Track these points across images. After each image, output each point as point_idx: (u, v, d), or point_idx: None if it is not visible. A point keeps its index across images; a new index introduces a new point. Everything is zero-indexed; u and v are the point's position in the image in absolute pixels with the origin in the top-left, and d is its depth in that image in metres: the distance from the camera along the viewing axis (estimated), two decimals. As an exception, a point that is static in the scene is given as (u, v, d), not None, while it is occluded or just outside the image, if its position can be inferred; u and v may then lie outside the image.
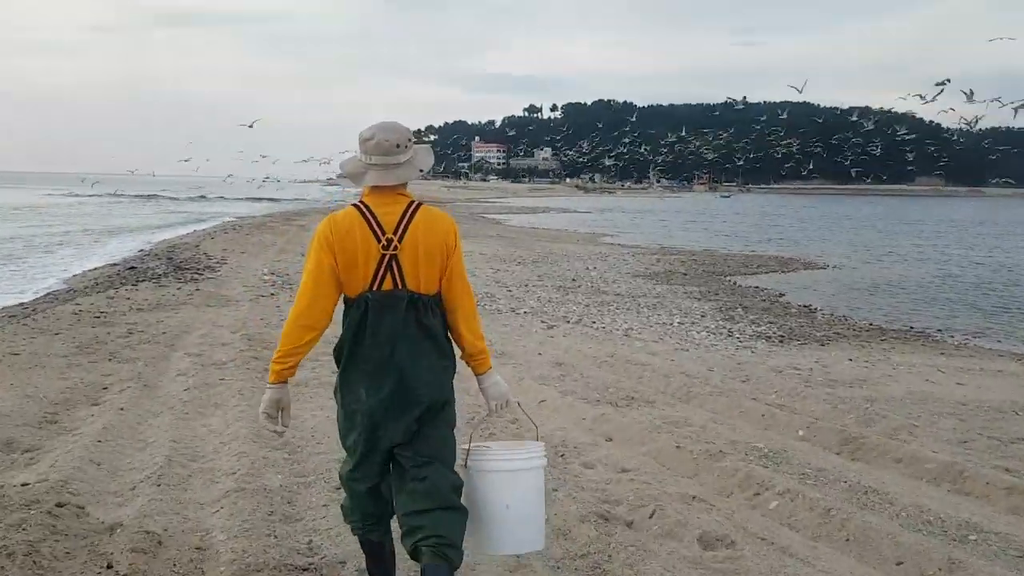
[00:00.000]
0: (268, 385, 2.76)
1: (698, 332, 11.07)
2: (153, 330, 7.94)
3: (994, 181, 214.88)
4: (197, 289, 11.31)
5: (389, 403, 2.66)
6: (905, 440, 5.35)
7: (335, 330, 2.79)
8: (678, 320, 12.02)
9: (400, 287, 2.67)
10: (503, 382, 2.88)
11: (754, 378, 7.06)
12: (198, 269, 14.14)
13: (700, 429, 5.05)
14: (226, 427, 4.62)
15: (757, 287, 17.56)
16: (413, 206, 2.72)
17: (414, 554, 2.65)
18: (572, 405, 5.54)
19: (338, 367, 2.76)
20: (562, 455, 4.33)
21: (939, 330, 12.71)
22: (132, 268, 14.67)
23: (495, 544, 2.75)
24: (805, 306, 15.01)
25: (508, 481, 2.70)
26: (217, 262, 15.21)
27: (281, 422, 2.77)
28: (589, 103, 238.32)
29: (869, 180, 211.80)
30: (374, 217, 2.68)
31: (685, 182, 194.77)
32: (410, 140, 2.75)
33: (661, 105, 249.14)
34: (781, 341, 10.86)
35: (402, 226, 2.68)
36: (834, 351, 10.00)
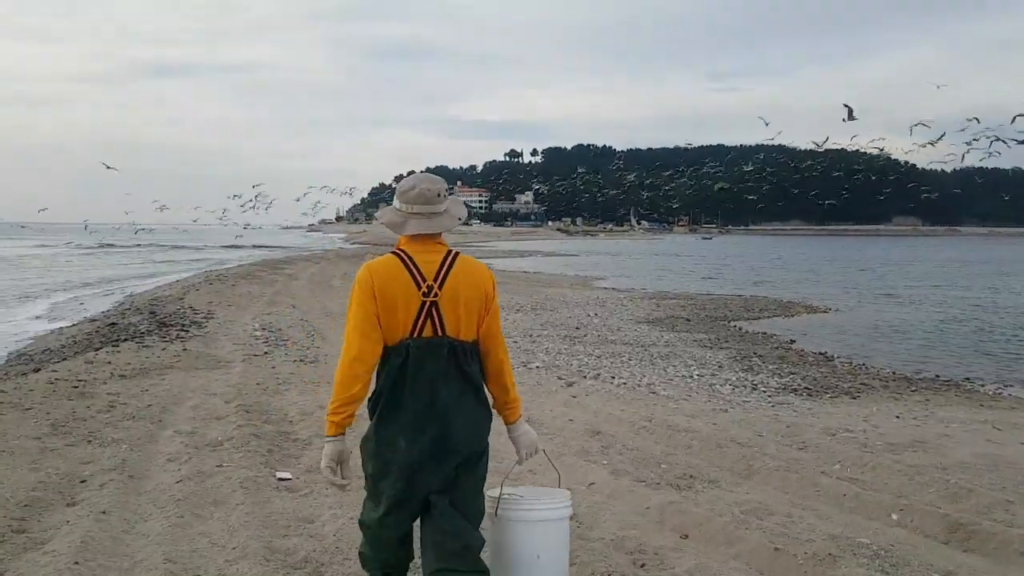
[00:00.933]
0: (327, 438, 2.72)
1: (722, 386, 10.41)
2: (137, 402, 7.05)
3: (972, 220, 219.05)
4: (184, 349, 10.33)
5: (430, 453, 2.63)
6: (1009, 522, 4.66)
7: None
8: (696, 372, 11.35)
9: (441, 334, 2.67)
10: (532, 431, 2.91)
11: (811, 445, 6.35)
12: (184, 325, 13.24)
13: (787, 520, 4.32)
14: (230, 536, 3.82)
15: (764, 333, 16.98)
16: (452, 254, 2.75)
17: None
18: (631, 489, 4.80)
19: (371, 417, 2.72)
20: (642, 565, 3.58)
21: (966, 379, 12.09)
22: (112, 324, 13.77)
23: None
24: (821, 353, 14.42)
25: (540, 531, 2.68)
26: (204, 316, 14.32)
27: (342, 475, 2.73)
28: (569, 147, 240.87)
29: (847, 221, 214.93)
30: (415, 264, 2.70)
31: (665, 224, 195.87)
32: (448, 190, 2.81)
33: (640, 149, 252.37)
34: (810, 394, 10.22)
35: (442, 274, 2.70)
36: (871, 405, 9.36)
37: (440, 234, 2.78)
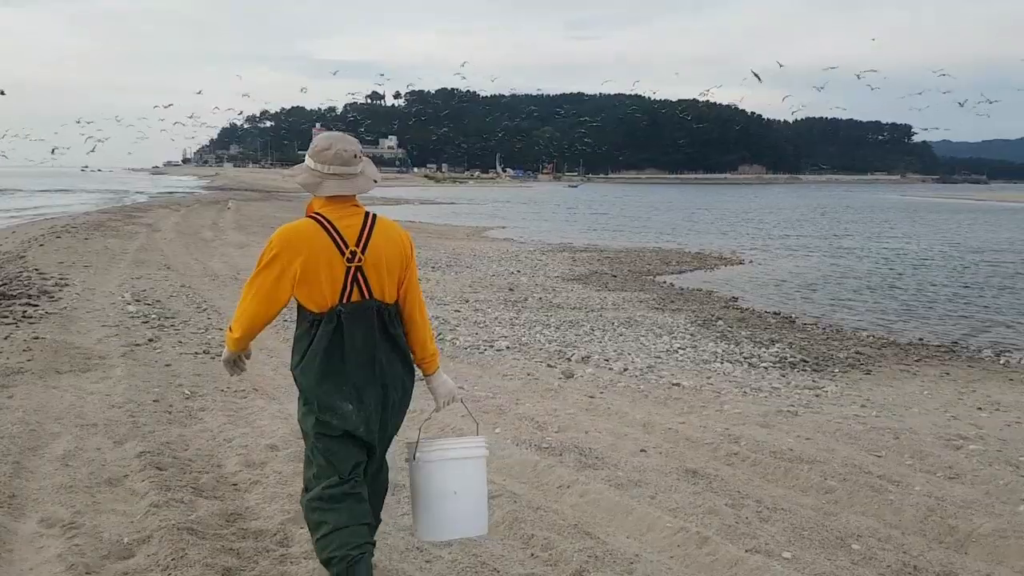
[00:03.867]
0: (228, 351, 2.79)
1: (719, 363, 9.04)
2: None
3: (811, 167, 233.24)
4: (35, 337, 7.29)
5: (374, 414, 2.68)
6: None
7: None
8: (677, 344, 9.93)
9: (368, 297, 2.66)
10: (450, 380, 2.95)
11: (965, 473, 4.79)
12: (30, 295, 10.21)
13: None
14: None
15: (700, 290, 15.95)
16: (371, 217, 2.72)
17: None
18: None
19: (305, 390, 2.68)
20: None
21: (955, 344, 11.15)
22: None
23: (443, 530, 2.80)
24: (775, 313, 13.44)
25: (456, 469, 2.75)
26: (55, 283, 11.23)
27: (241, 367, 2.84)
28: (433, 91, 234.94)
29: (697, 170, 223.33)
30: (336, 229, 2.65)
31: (531, 172, 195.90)
32: (362, 151, 2.76)
33: (503, 95, 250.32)
34: (815, 369, 9.08)
35: (364, 238, 2.67)
36: (897, 383, 8.27)
37: (355, 196, 2.73)
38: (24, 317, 8.56)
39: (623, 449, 4.77)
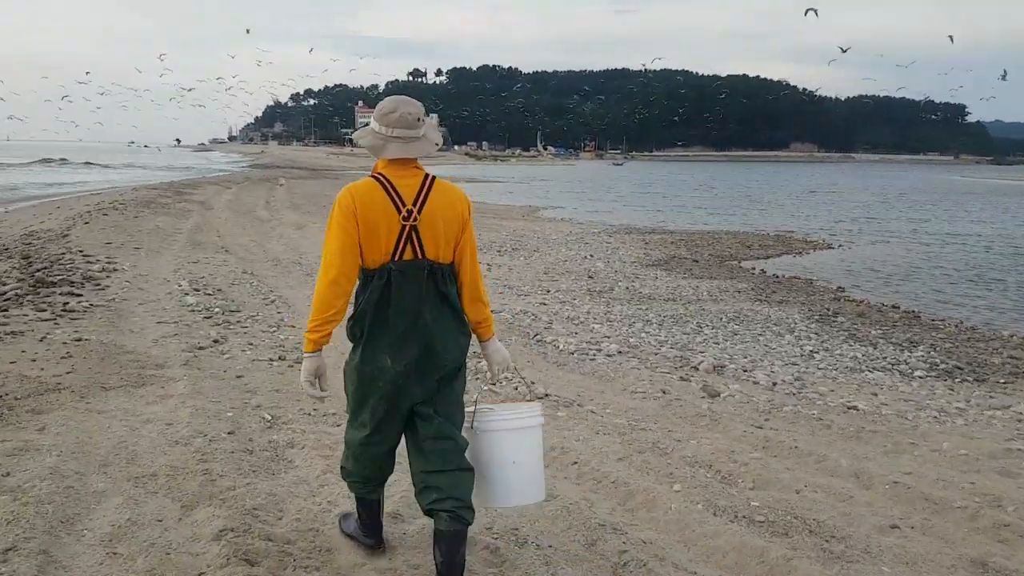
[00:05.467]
0: (305, 355, 2.76)
1: (868, 371, 7.76)
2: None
3: (863, 146, 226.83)
4: (77, 339, 6.08)
5: (414, 368, 2.67)
6: None
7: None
8: (808, 347, 8.66)
9: (421, 257, 2.68)
10: (504, 349, 2.93)
11: None
12: (72, 282, 9.17)
13: None
14: None
15: (797, 277, 14.55)
16: (430, 179, 2.74)
17: (429, 512, 2.70)
18: None
19: (354, 340, 2.74)
20: None
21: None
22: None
23: (504, 498, 2.82)
24: (894, 307, 12.03)
25: (515, 439, 2.77)
26: (102, 268, 10.19)
27: (320, 387, 2.79)
28: (475, 68, 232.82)
29: (747, 147, 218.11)
30: (394, 189, 2.68)
31: (572, 150, 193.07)
32: (425, 115, 2.77)
33: (546, 71, 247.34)
34: (977, 379, 7.81)
35: (421, 198, 2.69)
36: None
37: (416, 158, 2.74)
38: (65, 311, 7.44)
39: (863, 522, 3.48)
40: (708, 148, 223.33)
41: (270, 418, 4.51)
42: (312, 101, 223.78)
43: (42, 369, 5.19)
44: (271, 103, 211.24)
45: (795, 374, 7.06)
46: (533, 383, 5.84)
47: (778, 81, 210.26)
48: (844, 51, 73.40)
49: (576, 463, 4.01)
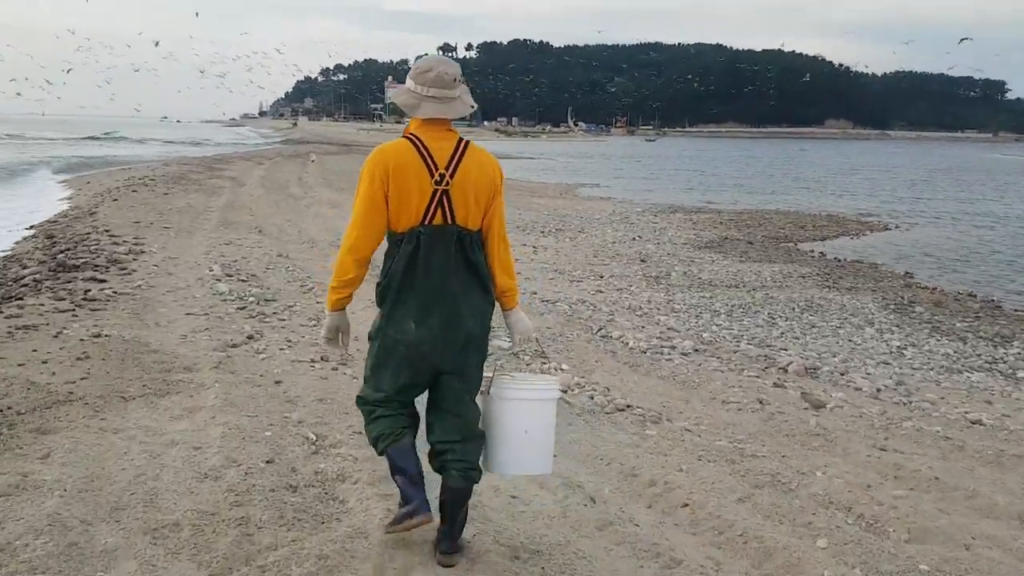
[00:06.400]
0: (328, 312, 2.76)
1: (967, 372, 7.02)
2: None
3: (899, 123, 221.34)
4: (97, 334, 5.42)
5: (438, 333, 2.63)
6: None
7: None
8: (896, 343, 7.88)
9: (450, 222, 2.62)
10: (527, 319, 2.88)
11: None
12: (96, 266, 8.53)
13: None
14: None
15: (860, 261, 13.74)
16: (464, 143, 2.66)
17: (440, 469, 2.73)
18: None
19: (380, 304, 2.70)
20: None
21: None
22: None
23: (511, 466, 2.81)
24: (970, 295, 11.15)
25: (529, 409, 2.76)
26: (129, 250, 9.58)
27: (342, 343, 2.81)
28: (505, 43, 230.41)
29: (781, 123, 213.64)
30: (428, 151, 2.60)
31: (603, 126, 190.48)
32: (462, 77, 2.69)
33: (576, 46, 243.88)
34: None
35: (454, 162, 2.61)
36: None
37: (451, 120, 2.66)
38: (86, 299, 6.78)
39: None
40: (741, 124, 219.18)
41: (314, 438, 3.83)
42: (342, 76, 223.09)
43: (53, 374, 4.54)
44: (301, 79, 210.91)
45: (894, 377, 6.30)
46: (608, 389, 5.13)
47: (813, 56, 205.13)
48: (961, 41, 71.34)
49: (687, 504, 3.31)
